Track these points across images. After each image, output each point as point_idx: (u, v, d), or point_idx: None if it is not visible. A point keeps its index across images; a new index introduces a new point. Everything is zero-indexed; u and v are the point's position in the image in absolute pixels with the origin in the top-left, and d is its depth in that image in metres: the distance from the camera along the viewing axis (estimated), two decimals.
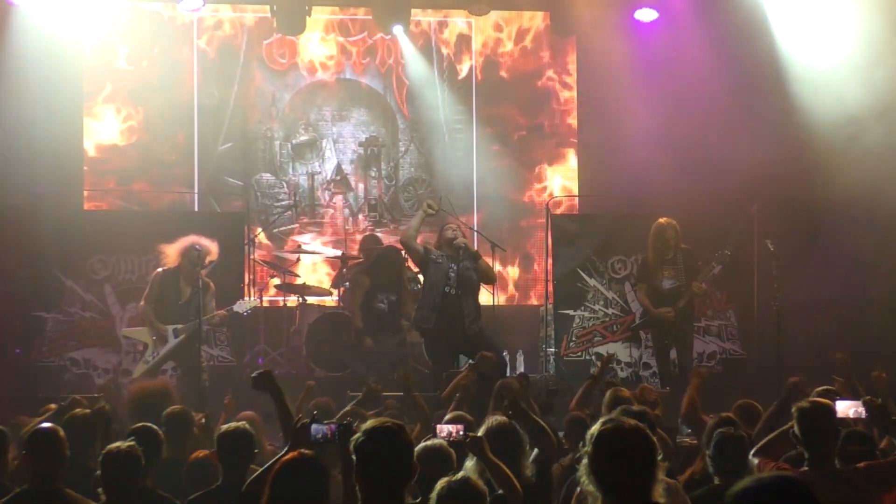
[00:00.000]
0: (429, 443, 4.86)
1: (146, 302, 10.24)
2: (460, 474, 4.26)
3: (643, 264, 10.94)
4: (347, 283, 12.12)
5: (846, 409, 5.28)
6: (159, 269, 10.29)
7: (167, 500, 5.50)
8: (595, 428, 3.76)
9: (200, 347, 10.20)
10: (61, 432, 5.36)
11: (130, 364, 10.99)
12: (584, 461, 3.72)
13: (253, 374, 5.53)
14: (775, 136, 12.50)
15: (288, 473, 4.24)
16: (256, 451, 5.65)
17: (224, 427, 5.77)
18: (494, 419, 5.54)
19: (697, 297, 10.83)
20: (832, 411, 5.05)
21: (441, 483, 4.21)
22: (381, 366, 11.00)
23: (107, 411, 6.36)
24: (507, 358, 12.22)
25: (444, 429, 4.99)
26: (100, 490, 5.22)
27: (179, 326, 10.03)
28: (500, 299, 12.77)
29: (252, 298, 10.47)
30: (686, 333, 10.69)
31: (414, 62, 13.64)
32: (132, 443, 5.34)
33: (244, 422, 5.97)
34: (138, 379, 9.50)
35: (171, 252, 10.14)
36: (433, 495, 4.16)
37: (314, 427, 4.73)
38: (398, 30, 13.06)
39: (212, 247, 10.13)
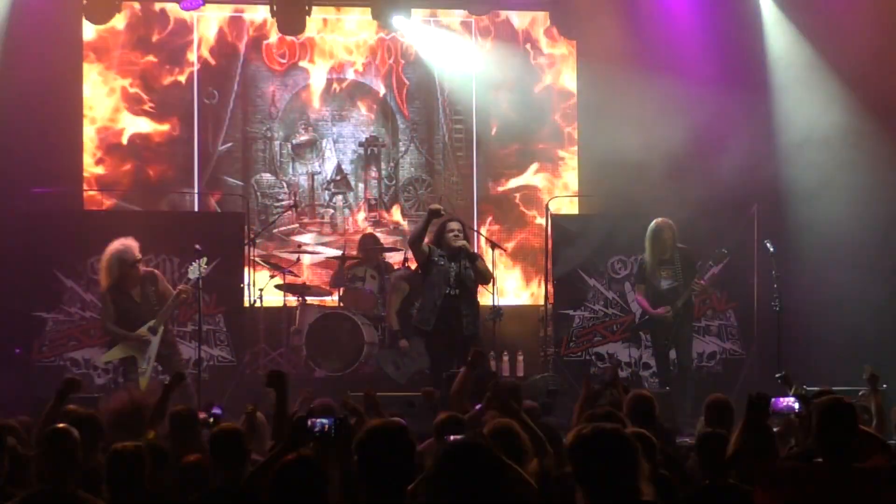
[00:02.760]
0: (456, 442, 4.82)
1: (109, 323, 10.07)
2: (462, 436, 4.23)
3: (641, 265, 10.95)
4: (345, 283, 12.14)
5: (781, 405, 5.47)
6: (104, 291, 10.11)
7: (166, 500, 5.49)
8: (571, 435, 3.83)
9: (177, 343, 10.22)
10: (75, 433, 5.34)
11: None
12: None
13: (270, 371, 5.58)
14: (776, 135, 12.51)
15: (288, 475, 4.22)
16: (251, 450, 5.65)
17: (216, 428, 5.76)
18: (497, 420, 5.53)
19: (697, 295, 10.84)
20: (853, 409, 5.04)
21: (448, 441, 4.17)
22: (411, 368, 11.00)
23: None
24: (507, 359, 12.27)
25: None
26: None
27: (151, 323, 9.94)
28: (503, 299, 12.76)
29: (200, 260, 10.13)
30: (685, 333, 10.71)
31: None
32: (139, 443, 5.33)
33: (234, 422, 5.98)
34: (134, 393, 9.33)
35: (103, 276, 10.05)
36: (435, 458, 4.12)
37: (312, 421, 4.74)
38: (399, 20, 12.95)
39: (127, 240, 10.01)
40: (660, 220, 10.69)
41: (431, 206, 10.15)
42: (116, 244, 9.98)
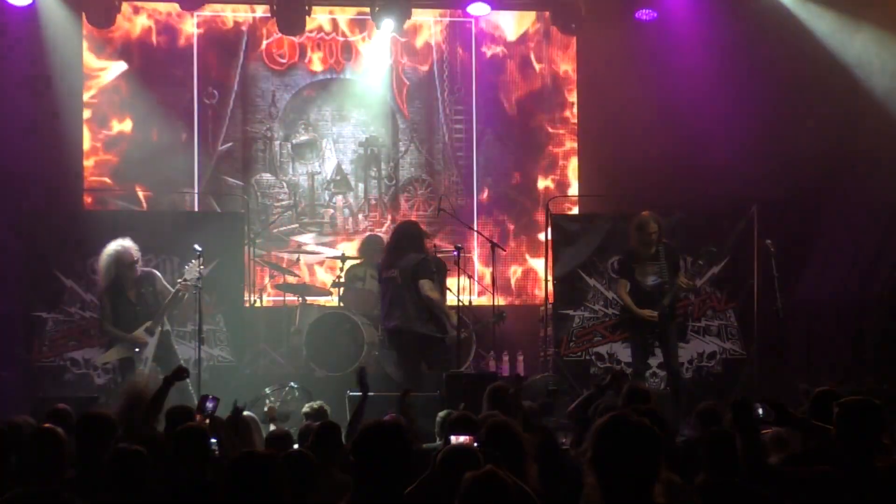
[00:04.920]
0: (455, 444, 4.80)
1: (106, 324, 10.11)
2: (487, 467, 4.21)
3: (625, 259, 10.56)
4: (345, 283, 12.14)
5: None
6: (100, 290, 10.19)
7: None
8: (600, 420, 3.75)
9: (173, 344, 10.23)
10: (62, 433, 5.34)
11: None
12: (588, 454, 3.71)
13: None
14: (776, 135, 12.51)
15: (239, 472, 4.15)
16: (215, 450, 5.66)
17: (180, 427, 5.77)
18: (492, 420, 5.52)
19: (684, 291, 10.52)
20: (878, 409, 4.99)
21: (466, 476, 4.15)
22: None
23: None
24: (507, 359, 12.29)
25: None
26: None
27: (148, 324, 9.95)
28: (501, 300, 12.77)
29: (195, 261, 10.17)
30: (671, 333, 10.33)
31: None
32: (139, 446, 5.35)
33: (196, 421, 6.01)
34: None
35: (101, 275, 10.08)
36: (460, 490, 4.09)
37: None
38: (386, 24, 13.00)
39: (124, 241, 10.03)
40: (645, 212, 10.33)
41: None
42: (114, 245, 10.01)
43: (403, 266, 10.30)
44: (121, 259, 9.94)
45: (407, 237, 10.50)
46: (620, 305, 10.59)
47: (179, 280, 10.10)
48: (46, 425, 5.48)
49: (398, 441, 4.12)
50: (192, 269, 10.03)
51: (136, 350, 9.92)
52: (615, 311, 11.89)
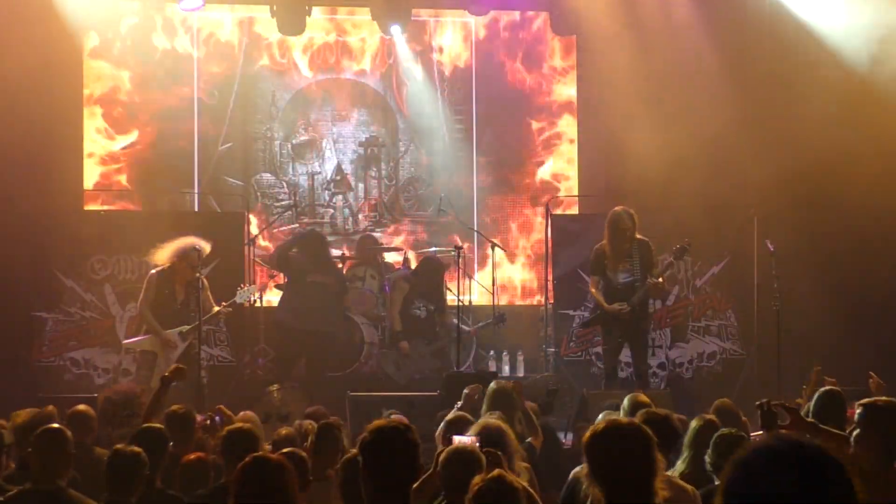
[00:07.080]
0: (457, 445, 4.80)
1: (145, 307, 10.13)
2: (495, 472, 4.22)
3: (597, 255, 10.15)
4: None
5: None
6: (153, 272, 10.22)
7: (176, 498, 5.52)
8: (588, 434, 3.78)
9: (200, 346, 10.21)
10: (67, 432, 5.38)
11: (130, 364, 10.95)
12: (584, 464, 3.74)
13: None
14: (776, 136, 12.51)
15: (250, 474, 4.18)
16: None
17: (230, 427, 5.81)
18: (486, 421, 5.51)
19: (656, 291, 10.18)
20: None
21: (475, 481, 4.16)
22: (412, 369, 11.00)
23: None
24: (507, 359, 12.28)
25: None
26: None
27: (185, 329, 9.94)
28: (502, 299, 12.78)
29: (251, 286, 10.42)
30: (640, 332, 10.05)
31: (409, 64, 13.61)
32: (136, 447, 5.38)
33: (249, 423, 6.03)
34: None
35: (164, 253, 10.07)
36: (469, 494, 4.10)
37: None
38: (395, 30, 13.07)
39: (206, 246, 10.09)
40: (619, 208, 10.06)
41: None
42: (196, 241, 10.03)
43: (337, 275, 11.06)
44: (189, 258, 9.95)
45: (327, 246, 11.60)
46: (594, 303, 10.34)
47: (227, 304, 10.13)
48: (54, 425, 5.52)
49: (407, 440, 4.12)
50: (244, 293, 10.12)
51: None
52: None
